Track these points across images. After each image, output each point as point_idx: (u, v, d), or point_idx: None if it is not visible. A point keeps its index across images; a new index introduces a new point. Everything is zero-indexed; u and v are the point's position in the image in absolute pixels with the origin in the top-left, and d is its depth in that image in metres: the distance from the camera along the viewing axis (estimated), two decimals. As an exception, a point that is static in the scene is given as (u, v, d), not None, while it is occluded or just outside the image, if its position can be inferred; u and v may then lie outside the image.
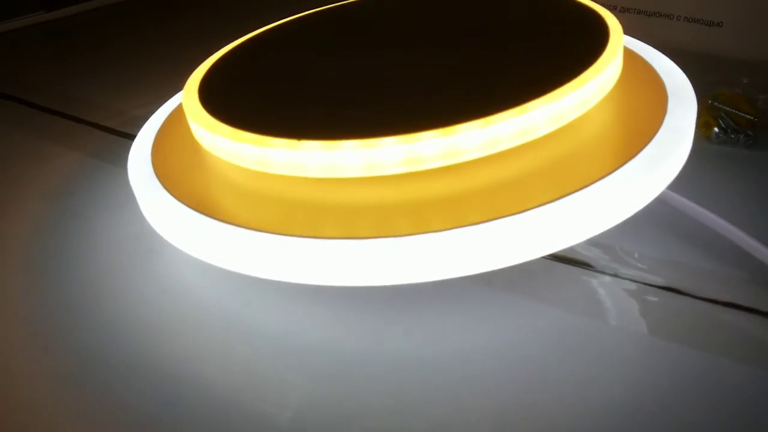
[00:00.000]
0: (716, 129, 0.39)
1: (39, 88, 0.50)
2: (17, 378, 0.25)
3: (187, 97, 0.28)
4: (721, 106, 0.41)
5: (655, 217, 0.31)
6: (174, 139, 0.30)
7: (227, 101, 0.27)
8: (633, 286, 0.28)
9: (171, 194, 0.25)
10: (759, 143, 0.39)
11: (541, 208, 0.22)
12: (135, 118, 0.32)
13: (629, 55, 0.32)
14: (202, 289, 0.29)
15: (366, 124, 0.23)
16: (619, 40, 0.27)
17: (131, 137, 0.31)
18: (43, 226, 0.34)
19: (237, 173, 0.26)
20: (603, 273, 0.28)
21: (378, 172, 0.23)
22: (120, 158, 0.32)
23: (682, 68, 0.33)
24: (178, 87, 0.31)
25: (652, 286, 0.27)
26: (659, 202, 0.27)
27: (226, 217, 0.24)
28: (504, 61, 0.27)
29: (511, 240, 0.21)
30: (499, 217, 0.22)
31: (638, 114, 0.26)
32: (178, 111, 0.31)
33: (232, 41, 0.33)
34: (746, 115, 0.40)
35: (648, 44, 0.34)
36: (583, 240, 0.23)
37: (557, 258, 0.29)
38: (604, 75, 0.25)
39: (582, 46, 0.27)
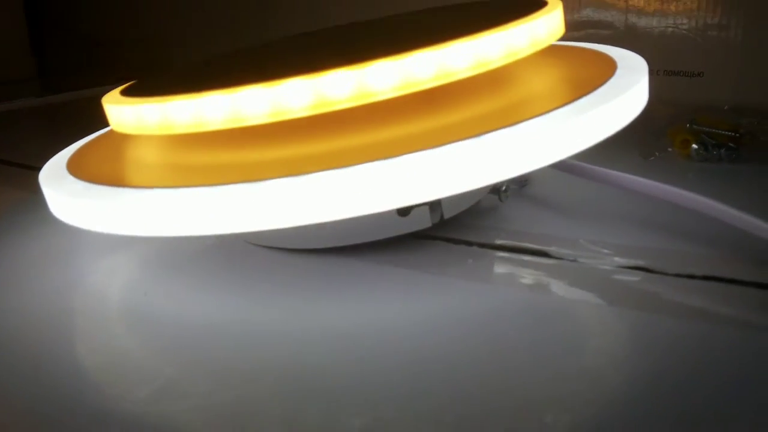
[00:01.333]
0: (695, 146, 0.37)
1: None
2: None
3: (107, 96, 0.27)
4: (700, 127, 0.38)
5: (615, 209, 0.28)
6: (91, 148, 0.28)
7: (143, 88, 0.26)
8: (596, 269, 0.24)
9: (71, 174, 0.23)
10: (742, 156, 0.36)
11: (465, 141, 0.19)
12: None
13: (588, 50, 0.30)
14: (100, 282, 0.26)
15: (270, 74, 0.22)
16: (557, 6, 0.26)
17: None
18: None
19: (141, 144, 0.24)
20: (561, 259, 0.25)
21: (282, 117, 0.21)
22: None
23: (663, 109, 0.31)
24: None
25: (619, 267, 0.24)
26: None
27: (127, 183, 0.21)
28: (434, 28, 0.25)
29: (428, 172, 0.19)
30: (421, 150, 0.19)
31: (584, 72, 0.24)
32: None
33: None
34: (727, 132, 0.37)
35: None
36: (511, 174, 0.20)
37: (513, 249, 0.26)
38: (529, 27, 0.23)
39: (519, 11, 0.25)
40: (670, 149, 0.38)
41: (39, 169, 0.26)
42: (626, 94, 0.22)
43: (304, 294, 0.24)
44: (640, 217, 0.28)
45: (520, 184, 0.33)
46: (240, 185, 0.19)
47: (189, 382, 0.19)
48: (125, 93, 0.25)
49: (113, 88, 0.27)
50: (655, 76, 0.54)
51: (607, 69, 0.25)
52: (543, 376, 0.18)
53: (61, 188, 0.23)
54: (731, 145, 0.36)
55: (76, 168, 0.25)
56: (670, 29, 0.52)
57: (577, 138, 0.21)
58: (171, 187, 0.20)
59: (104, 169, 0.24)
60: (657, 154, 0.38)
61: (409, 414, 0.17)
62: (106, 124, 0.26)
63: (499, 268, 0.25)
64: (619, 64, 0.26)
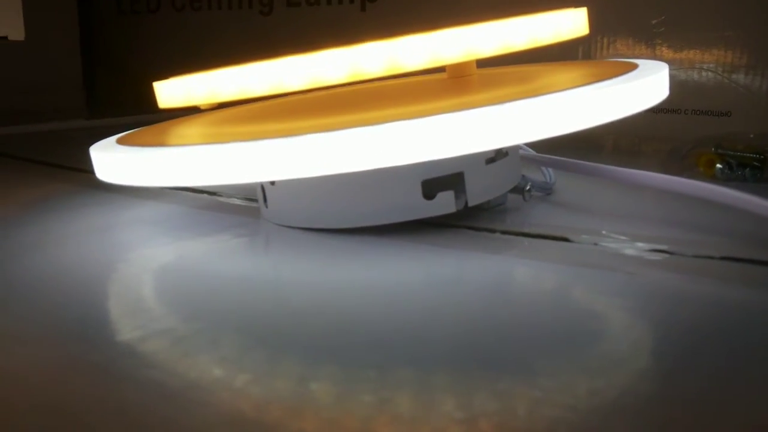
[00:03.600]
0: (719, 165, 0.37)
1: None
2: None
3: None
4: (725, 152, 0.39)
5: (637, 209, 0.29)
6: (145, 129, 0.30)
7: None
8: (617, 253, 0.25)
9: (120, 144, 0.25)
10: (767, 176, 0.36)
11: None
12: None
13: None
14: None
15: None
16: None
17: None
18: None
19: (189, 123, 0.25)
20: (583, 243, 0.25)
21: (321, 84, 0.22)
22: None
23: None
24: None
25: (642, 249, 0.24)
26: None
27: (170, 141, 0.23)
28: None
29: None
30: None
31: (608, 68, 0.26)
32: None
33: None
34: (752, 155, 0.38)
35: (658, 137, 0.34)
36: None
37: (535, 235, 0.27)
38: (556, 18, 0.25)
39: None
40: (694, 169, 0.38)
41: (87, 171, 0.27)
42: (644, 80, 0.24)
43: (326, 260, 0.25)
44: (661, 215, 0.28)
45: (545, 191, 0.34)
46: (273, 140, 0.21)
47: (216, 333, 0.20)
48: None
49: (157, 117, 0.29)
50: (682, 115, 0.55)
51: (628, 67, 0.26)
52: (558, 343, 0.19)
53: (109, 154, 0.25)
54: (756, 164, 0.37)
55: (124, 141, 0.27)
56: (698, 70, 0.53)
57: (592, 111, 0.22)
58: (205, 143, 0.22)
59: (150, 140, 0.26)
60: (682, 174, 0.39)
61: (420, 364, 0.18)
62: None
63: (522, 249, 0.26)
64: (640, 65, 0.27)
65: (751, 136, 0.43)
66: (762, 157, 0.38)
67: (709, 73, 0.53)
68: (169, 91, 0.26)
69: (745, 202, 0.24)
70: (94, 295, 0.23)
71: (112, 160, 0.24)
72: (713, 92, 0.53)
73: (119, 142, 0.27)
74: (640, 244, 0.25)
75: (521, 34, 0.23)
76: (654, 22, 0.55)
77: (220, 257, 0.26)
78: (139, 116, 0.66)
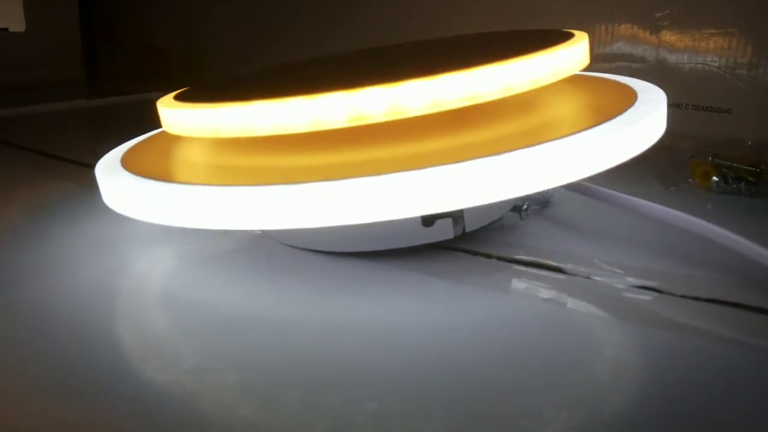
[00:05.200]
0: (715, 178, 0.38)
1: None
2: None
3: (162, 100, 0.29)
4: (722, 161, 0.39)
5: (630, 233, 0.30)
6: (145, 146, 0.30)
7: (195, 95, 0.28)
8: (609, 286, 0.25)
9: (125, 168, 0.26)
10: (761, 191, 0.37)
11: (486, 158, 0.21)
12: None
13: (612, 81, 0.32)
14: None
15: (312, 85, 0.24)
16: (583, 38, 0.27)
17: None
18: None
19: (192, 145, 0.26)
20: (575, 275, 0.26)
21: (322, 127, 0.23)
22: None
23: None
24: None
25: (631, 286, 0.25)
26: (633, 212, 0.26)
27: (175, 179, 0.24)
28: (466, 54, 0.27)
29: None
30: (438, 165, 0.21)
31: (604, 102, 0.26)
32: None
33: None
34: (748, 167, 0.38)
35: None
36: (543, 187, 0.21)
37: (529, 264, 0.27)
38: (553, 56, 0.25)
39: (546, 42, 0.27)
40: (690, 180, 0.39)
41: (87, 165, 0.28)
42: (643, 121, 0.24)
43: (326, 291, 0.26)
44: (653, 241, 0.29)
45: (542, 204, 0.34)
46: (279, 186, 0.21)
47: (216, 363, 0.21)
48: (179, 98, 0.27)
49: (159, 95, 0.30)
50: (684, 110, 0.55)
51: (627, 99, 0.27)
52: (547, 382, 0.20)
53: (115, 179, 0.25)
54: (750, 179, 0.37)
55: (129, 163, 0.27)
56: (700, 65, 0.53)
57: (594, 160, 0.22)
58: (214, 184, 0.22)
59: (154, 166, 0.26)
60: (678, 185, 0.39)
61: (413, 407, 0.19)
62: (154, 126, 0.28)
63: (516, 280, 0.26)
64: (639, 96, 0.27)
65: (749, 143, 0.43)
66: (757, 170, 0.38)
67: (712, 69, 0.53)
68: (173, 119, 0.26)
69: (743, 247, 0.24)
70: (105, 337, 0.23)
71: (119, 190, 0.25)
72: (715, 88, 0.52)
73: (125, 163, 0.27)
74: (630, 279, 0.26)
75: (523, 77, 0.24)
76: (658, 15, 0.54)
77: (223, 283, 0.27)
78: (140, 95, 0.65)
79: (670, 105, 0.58)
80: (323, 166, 0.23)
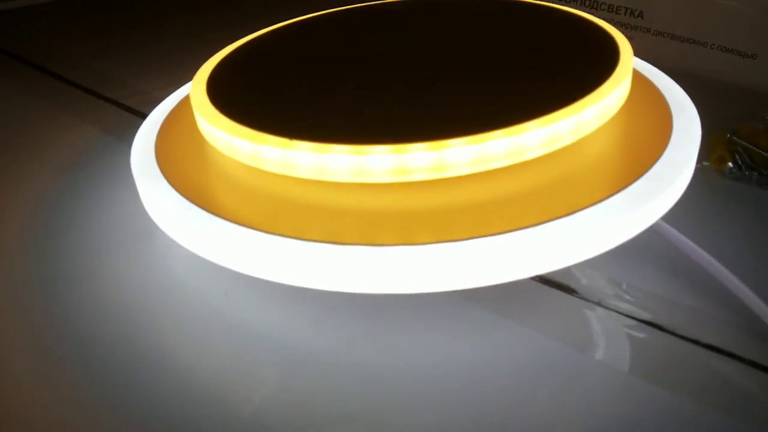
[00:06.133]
0: (730, 164, 0.39)
1: (71, 61, 0.52)
2: None
3: (195, 86, 0.28)
4: (739, 141, 0.40)
5: (647, 248, 0.31)
6: (179, 128, 0.30)
7: (231, 94, 0.28)
8: (614, 316, 0.27)
9: (168, 181, 0.26)
10: (769, 184, 0.38)
11: (526, 230, 0.22)
12: (155, 99, 0.33)
13: (641, 80, 0.31)
14: (185, 274, 0.29)
15: (357, 131, 0.24)
16: (626, 69, 0.27)
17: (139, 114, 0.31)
18: (47, 197, 0.35)
19: (234, 167, 0.26)
20: (586, 300, 0.28)
21: (366, 179, 0.23)
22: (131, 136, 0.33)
23: (708, 97, 0.32)
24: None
25: (634, 318, 0.27)
26: (654, 233, 0.27)
27: (219, 210, 0.24)
28: (506, 80, 0.27)
29: (494, 259, 0.21)
30: (485, 236, 0.22)
31: (638, 143, 0.26)
32: (187, 100, 0.32)
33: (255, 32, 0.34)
34: (764, 153, 0.39)
35: (676, 70, 0.33)
36: (564, 266, 0.23)
37: (541, 280, 0.29)
38: (603, 104, 0.25)
39: (588, 70, 0.27)
40: (706, 163, 0.40)
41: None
42: (677, 183, 0.25)
43: (379, 324, 0.27)
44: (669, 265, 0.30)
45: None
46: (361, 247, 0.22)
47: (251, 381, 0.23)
48: (215, 100, 0.27)
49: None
50: (709, 49, 0.54)
51: (660, 139, 0.27)
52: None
53: (160, 197, 0.26)
54: (763, 171, 0.38)
55: (169, 169, 0.27)
56: (734, 5, 0.51)
57: (616, 235, 0.23)
58: (278, 234, 0.23)
59: (201, 183, 0.26)
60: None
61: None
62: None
63: (527, 298, 0.28)
64: (673, 133, 0.27)
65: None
66: (771, 158, 0.39)
67: (745, 11, 0.52)
68: (213, 135, 0.26)
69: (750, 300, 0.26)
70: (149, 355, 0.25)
71: (169, 218, 0.25)
72: (744, 33, 0.51)
73: (165, 171, 0.27)
74: (637, 311, 0.28)
75: (570, 132, 0.24)
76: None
77: (262, 307, 0.28)
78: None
79: (694, 41, 0.56)
80: (403, 219, 0.23)
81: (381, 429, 0.23)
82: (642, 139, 0.27)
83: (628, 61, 0.27)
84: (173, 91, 0.34)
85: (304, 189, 0.24)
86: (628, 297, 0.28)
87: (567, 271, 0.29)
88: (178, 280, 0.29)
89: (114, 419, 0.23)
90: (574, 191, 0.24)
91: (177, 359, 0.25)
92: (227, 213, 0.24)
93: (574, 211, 0.23)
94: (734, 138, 0.40)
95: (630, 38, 0.34)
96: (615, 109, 0.26)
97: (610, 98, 0.25)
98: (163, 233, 0.26)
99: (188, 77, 0.31)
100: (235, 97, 0.28)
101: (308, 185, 0.24)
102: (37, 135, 0.41)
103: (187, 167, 0.27)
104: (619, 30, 0.32)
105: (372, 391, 0.24)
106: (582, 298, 0.28)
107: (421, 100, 0.26)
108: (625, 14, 0.56)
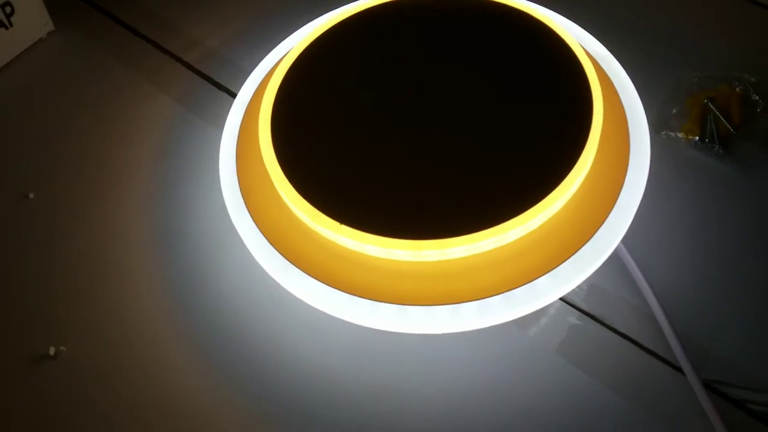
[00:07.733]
0: (696, 138, 0.46)
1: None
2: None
3: (266, 153, 0.37)
4: (712, 108, 0.47)
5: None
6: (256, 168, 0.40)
7: (307, 177, 0.37)
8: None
9: (267, 239, 0.37)
10: (728, 158, 0.45)
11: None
12: (210, 53, 0.41)
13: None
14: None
15: (385, 224, 0.34)
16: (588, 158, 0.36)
17: (212, 82, 0.42)
18: (153, 191, 0.46)
19: (315, 234, 0.37)
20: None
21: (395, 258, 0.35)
22: (206, 111, 0.44)
23: (715, 50, 0.42)
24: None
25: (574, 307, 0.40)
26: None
27: (308, 269, 0.36)
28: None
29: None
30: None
31: (589, 208, 0.36)
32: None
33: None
34: (729, 126, 0.46)
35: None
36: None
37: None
38: (566, 195, 0.35)
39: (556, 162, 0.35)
40: (679, 134, 0.47)
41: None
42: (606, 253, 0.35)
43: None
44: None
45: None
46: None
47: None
48: (292, 179, 0.37)
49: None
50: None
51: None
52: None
53: (257, 246, 0.37)
54: (722, 147, 0.46)
55: (256, 211, 0.38)
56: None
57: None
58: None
59: (286, 237, 0.38)
60: (667, 132, 0.48)
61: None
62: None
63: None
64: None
65: (753, 80, 0.48)
66: (734, 132, 0.46)
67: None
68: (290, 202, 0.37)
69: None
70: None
71: (270, 270, 0.37)
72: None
73: (252, 210, 0.38)
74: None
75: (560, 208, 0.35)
76: None
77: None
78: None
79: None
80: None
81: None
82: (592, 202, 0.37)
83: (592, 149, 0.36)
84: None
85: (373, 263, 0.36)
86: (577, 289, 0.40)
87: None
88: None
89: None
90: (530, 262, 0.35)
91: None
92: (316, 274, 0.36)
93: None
94: (709, 104, 0.47)
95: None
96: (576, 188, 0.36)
97: (570, 190, 0.35)
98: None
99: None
100: (310, 180, 0.37)
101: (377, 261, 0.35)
102: (118, 102, 0.49)
103: (271, 214, 0.38)
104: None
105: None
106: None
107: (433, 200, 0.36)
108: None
